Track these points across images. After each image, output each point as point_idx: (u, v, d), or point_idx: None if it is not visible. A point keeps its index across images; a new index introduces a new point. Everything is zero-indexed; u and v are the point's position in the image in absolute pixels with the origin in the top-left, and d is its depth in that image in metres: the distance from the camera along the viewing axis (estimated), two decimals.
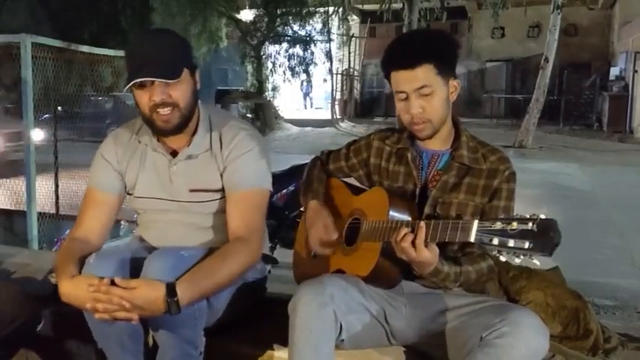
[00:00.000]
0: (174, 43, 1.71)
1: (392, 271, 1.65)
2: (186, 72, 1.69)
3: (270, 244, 2.42)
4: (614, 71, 18.13)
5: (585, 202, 8.04)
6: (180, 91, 1.67)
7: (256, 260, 1.75)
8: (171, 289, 1.49)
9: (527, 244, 1.24)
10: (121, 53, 6.04)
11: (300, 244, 1.98)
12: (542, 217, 1.25)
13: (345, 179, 1.97)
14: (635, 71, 16.13)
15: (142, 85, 1.65)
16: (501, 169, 1.67)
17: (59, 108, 6.00)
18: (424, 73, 1.61)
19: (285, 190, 4.55)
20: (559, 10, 13.54)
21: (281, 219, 4.46)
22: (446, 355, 1.58)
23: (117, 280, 1.48)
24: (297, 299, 1.53)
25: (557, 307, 2.10)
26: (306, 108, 27.51)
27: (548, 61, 13.77)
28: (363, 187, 1.87)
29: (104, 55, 6.14)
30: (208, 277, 1.57)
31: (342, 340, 1.56)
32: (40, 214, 5.28)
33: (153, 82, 1.64)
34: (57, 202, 5.79)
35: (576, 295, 2.16)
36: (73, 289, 1.53)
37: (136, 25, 17.68)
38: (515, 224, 1.27)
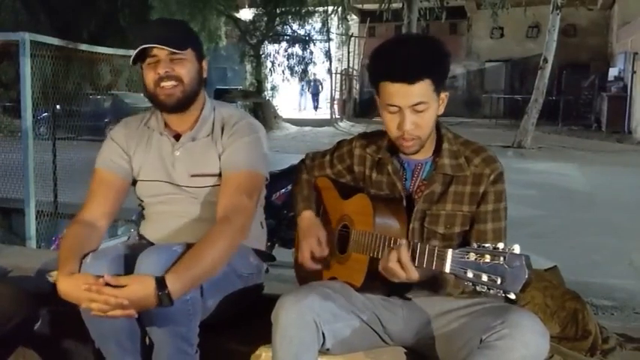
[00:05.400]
0: (181, 25, 1.87)
1: (384, 282, 1.61)
2: (191, 52, 1.78)
3: (268, 243, 2.42)
4: (612, 72, 18.17)
5: (583, 202, 8.04)
6: (184, 68, 1.75)
7: (241, 238, 1.72)
8: (160, 283, 1.49)
9: (499, 280, 1.22)
10: (119, 52, 6.04)
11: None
12: (515, 251, 1.23)
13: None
14: (634, 72, 16.17)
15: (149, 62, 1.74)
16: (486, 173, 1.61)
17: (57, 106, 5.99)
18: (422, 90, 1.52)
19: (283, 190, 4.54)
20: (558, 11, 13.55)
21: (279, 218, 4.46)
22: (444, 356, 1.58)
23: (107, 278, 1.49)
24: (278, 308, 1.53)
25: (556, 307, 2.10)
26: (316, 109, 26.33)
27: (547, 62, 13.79)
28: (351, 186, 1.82)
29: (103, 54, 6.13)
30: (196, 264, 1.57)
31: (328, 349, 1.56)
32: (38, 212, 5.27)
33: (158, 58, 1.72)
34: (55, 201, 5.78)
35: (575, 296, 2.16)
36: (70, 287, 1.53)
37: (134, 23, 17.65)
38: (487, 257, 1.25)
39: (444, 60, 1.59)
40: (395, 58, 1.55)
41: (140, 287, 1.48)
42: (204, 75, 1.84)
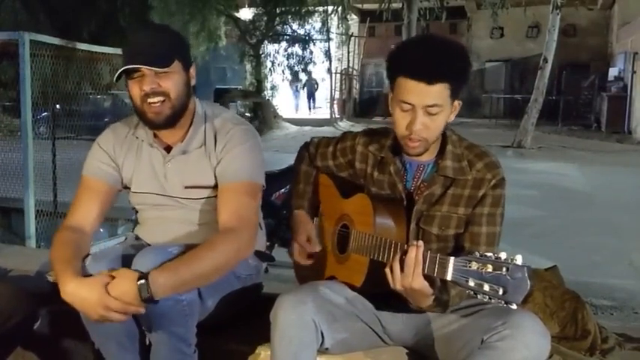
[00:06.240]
0: (165, 35, 1.74)
1: (383, 283, 1.60)
2: (177, 64, 1.69)
3: (267, 243, 2.42)
4: (612, 72, 18.17)
5: (583, 202, 8.04)
6: (171, 81, 1.67)
7: (247, 253, 1.71)
8: (143, 276, 1.47)
9: (501, 291, 1.22)
10: (119, 51, 6.01)
11: None
12: (517, 262, 1.23)
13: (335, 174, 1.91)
14: (634, 72, 16.17)
15: (134, 77, 1.66)
16: (487, 179, 1.59)
17: (57, 106, 5.98)
18: (439, 92, 1.50)
19: (283, 190, 4.55)
20: (558, 11, 13.56)
21: (279, 218, 4.46)
22: (444, 357, 1.58)
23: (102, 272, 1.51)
24: (277, 308, 1.53)
25: (556, 307, 2.10)
26: (310, 110, 26.09)
27: (547, 62, 13.80)
28: (352, 184, 1.81)
29: (103, 53, 6.12)
30: (190, 266, 1.54)
31: (327, 349, 1.56)
32: (37, 211, 5.27)
33: (143, 73, 1.64)
34: (55, 200, 5.78)
35: (574, 296, 2.16)
36: (83, 289, 1.50)
37: (134, 23, 17.65)
38: (490, 267, 1.25)
39: (466, 68, 1.56)
40: (419, 55, 1.53)
41: (122, 281, 1.47)
42: (193, 82, 1.76)
